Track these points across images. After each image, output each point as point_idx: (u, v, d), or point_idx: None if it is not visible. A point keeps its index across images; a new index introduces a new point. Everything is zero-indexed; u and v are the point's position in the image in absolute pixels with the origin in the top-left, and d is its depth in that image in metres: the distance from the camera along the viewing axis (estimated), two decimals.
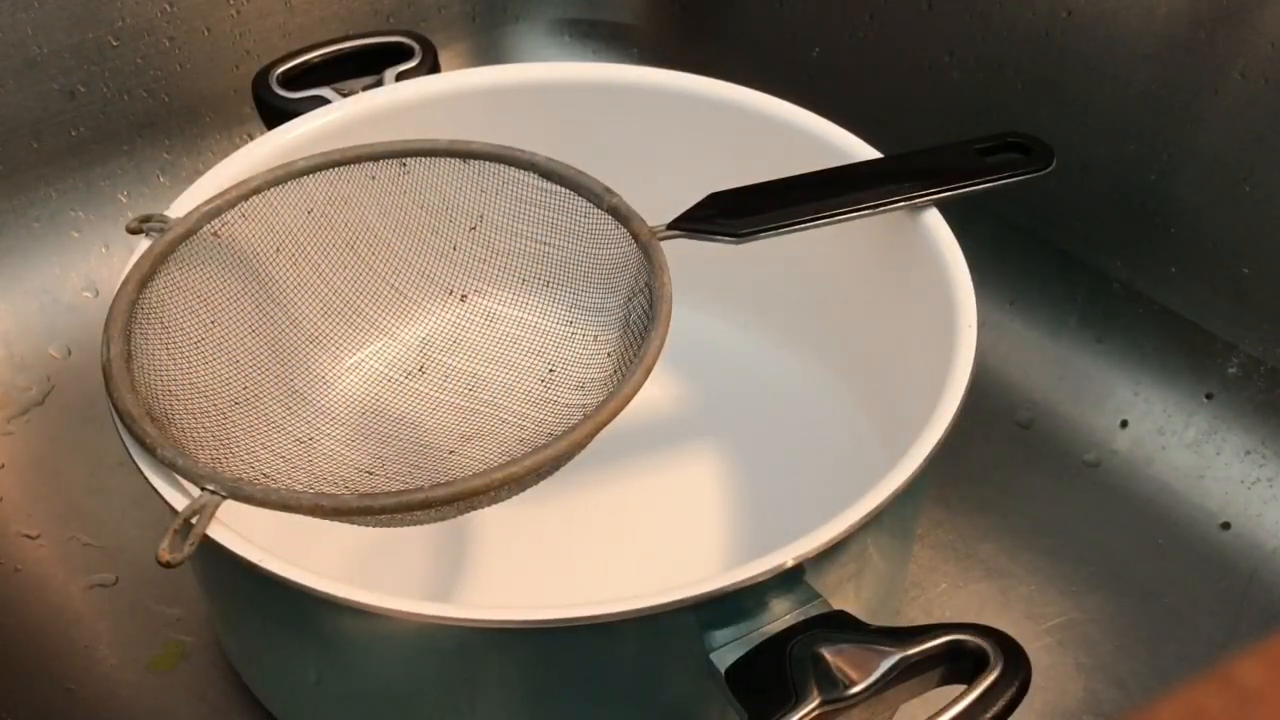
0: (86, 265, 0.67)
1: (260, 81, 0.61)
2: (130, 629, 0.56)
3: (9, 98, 0.66)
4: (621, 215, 0.52)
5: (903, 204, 0.54)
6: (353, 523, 0.47)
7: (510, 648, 0.44)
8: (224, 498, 0.43)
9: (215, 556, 0.43)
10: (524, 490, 0.47)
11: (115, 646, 0.56)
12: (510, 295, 0.55)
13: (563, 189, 0.53)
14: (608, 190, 0.53)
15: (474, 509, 0.47)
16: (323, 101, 0.59)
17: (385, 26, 0.70)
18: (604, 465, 0.57)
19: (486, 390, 0.54)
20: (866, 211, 0.54)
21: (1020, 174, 0.56)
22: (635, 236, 0.52)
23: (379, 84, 0.60)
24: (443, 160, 0.54)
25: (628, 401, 0.47)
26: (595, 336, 0.53)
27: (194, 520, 0.42)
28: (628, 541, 0.55)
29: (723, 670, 0.42)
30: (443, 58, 0.63)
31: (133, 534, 0.59)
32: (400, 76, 0.61)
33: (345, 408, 0.54)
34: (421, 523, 0.47)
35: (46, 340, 0.66)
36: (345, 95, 0.59)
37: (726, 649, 0.43)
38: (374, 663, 0.46)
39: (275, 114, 0.59)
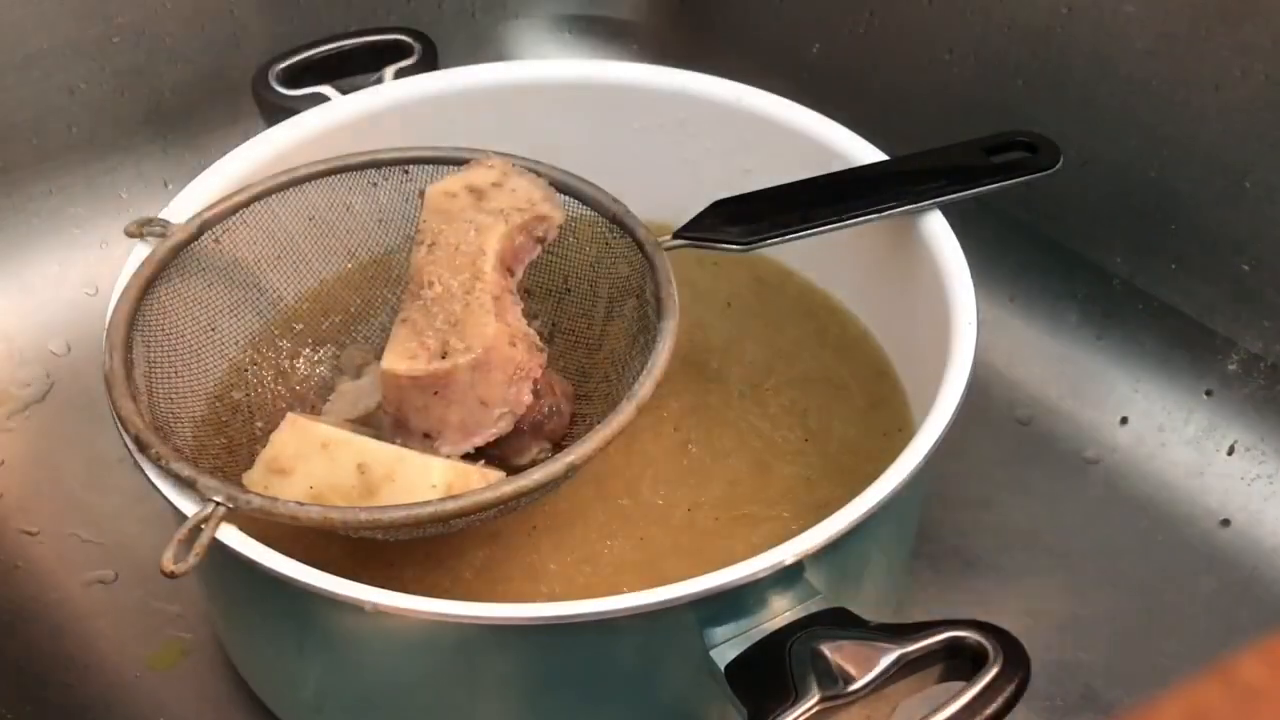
0: (86, 262, 0.67)
1: (260, 79, 0.61)
2: (130, 626, 0.56)
3: (9, 94, 0.66)
4: (627, 225, 0.52)
5: (908, 209, 0.53)
6: (361, 536, 0.46)
7: (510, 645, 0.44)
8: (229, 509, 0.43)
9: (217, 555, 0.43)
10: (532, 503, 0.47)
11: (115, 644, 0.56)
12: None
13: (568, 197, 0.53)
14: (613, 199, 0.52)
15: (482, 522, 0.47)
16: (322, 99, 0.59)
17: (385, 23, 0.70)
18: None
19: None
20: (872, 217, 0.53)
21: (1026, 175, 0.56)
22: (640, 245, 0.51)
23: (378, 81, 0.60)
24: (447, 167, 0.54)
25: (636, 413, 0.46)
26: (600, 346, 0.53)
27: (198, 530, 0.42)
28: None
29: (722, 667, 0.42)
30: (442, 54, 0.63)
31: (132, 531, 0.58)
32: (400, 73, 0.61)
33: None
34: (429, 535, 0.47)
35: (46, 337, 0.66)
36: (344, 92, 0.59)
37: (726, 646, 0.43)
38: (374, 660, 0.46)
39: (275, 111, 0.59)
